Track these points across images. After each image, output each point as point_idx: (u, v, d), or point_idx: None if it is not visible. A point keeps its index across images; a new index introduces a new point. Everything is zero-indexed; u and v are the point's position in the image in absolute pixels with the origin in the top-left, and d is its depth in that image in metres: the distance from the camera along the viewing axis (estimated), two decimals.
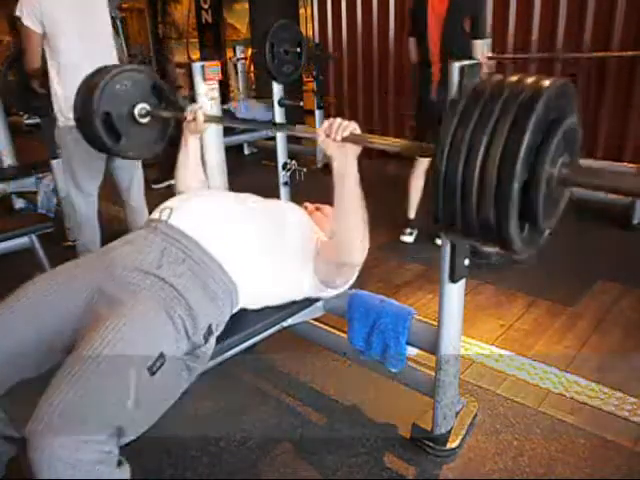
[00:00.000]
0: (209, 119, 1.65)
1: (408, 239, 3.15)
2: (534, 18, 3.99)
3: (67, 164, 2.55)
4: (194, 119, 1.62)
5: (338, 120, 1.22)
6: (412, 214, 3.15)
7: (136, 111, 1.82)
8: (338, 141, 1.20)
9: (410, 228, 3.16)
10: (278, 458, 1.54)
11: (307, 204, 1.70)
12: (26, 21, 2.33)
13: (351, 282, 1.59)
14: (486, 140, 0.80)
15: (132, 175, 2.75)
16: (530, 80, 0.83)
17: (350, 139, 1.21)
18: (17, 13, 2.35)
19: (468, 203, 0.83)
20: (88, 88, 1.76)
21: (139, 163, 2.77)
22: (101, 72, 1.79)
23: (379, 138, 1.22)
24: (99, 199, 2.70)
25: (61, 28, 2.36)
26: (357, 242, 1.33)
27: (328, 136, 1.21)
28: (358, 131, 1.22)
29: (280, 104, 3.32)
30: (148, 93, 1.85)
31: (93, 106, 1.71)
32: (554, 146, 0.81)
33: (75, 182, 2.56)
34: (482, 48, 2.73)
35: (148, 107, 1.84)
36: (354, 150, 1.23)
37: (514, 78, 0.85)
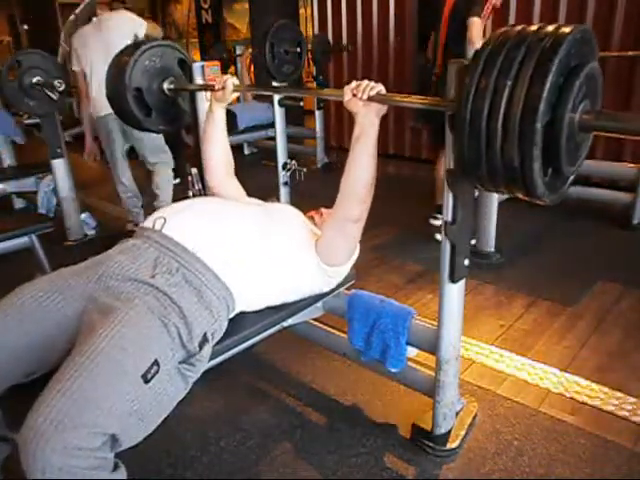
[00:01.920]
0: (237, 88, 1.69)
1: (437, 223, 3.13)
2: (534, 20, 4.00)
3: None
4: (223, 88, 1.66)
5: (366, 81, 1.29)
6: (440, 200, 3.14)
7: (165, 85, 1.86)
8: (364, 100, 1.27)
9: (439, 213, 3.15)
10: (278, 458, 1.54)
11: (323, 210, 1.70)
12: (74, 67, 3.11)
13: (354, 258, 1.57)
14: (510, 84, 0.82)
15: (159, 172, 3.26)
16: (552, 27, 0.85)
17: (376, 98, 1.27)
18: (71, 67, 3.16)
19: (492, 147, 0.85)
20: (119, 65, 1.80)
21: (170, 163, 3.32)
22: (130, 48, 1.84)
23: (403, 97, 1.27)
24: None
25: (90, 67, 3.04)
26: (361, 196, 1.37)
27: (355, 95, 1.28)
28: (384, 91, 1.29)
29: (280, 104, 3.31)
30: (176, 67, 1.91)
31: (125, 82, 1.77)
32: (576, 88, 0.83)
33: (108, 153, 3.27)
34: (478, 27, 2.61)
35: (176, 82, 1.89)
36: (379, 109, 1.30)
37: (535, 27, 0.87)
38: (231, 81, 1.66)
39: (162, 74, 1.88)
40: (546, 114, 0.81)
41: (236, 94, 1.70)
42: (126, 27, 3.00)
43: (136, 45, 1.87)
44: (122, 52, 1.86)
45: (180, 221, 1.38)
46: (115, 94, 1.84)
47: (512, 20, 4.11)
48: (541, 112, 0.79)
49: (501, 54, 0.85)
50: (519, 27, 0.90)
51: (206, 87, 1.83)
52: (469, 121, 0.86)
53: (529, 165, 0.82)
